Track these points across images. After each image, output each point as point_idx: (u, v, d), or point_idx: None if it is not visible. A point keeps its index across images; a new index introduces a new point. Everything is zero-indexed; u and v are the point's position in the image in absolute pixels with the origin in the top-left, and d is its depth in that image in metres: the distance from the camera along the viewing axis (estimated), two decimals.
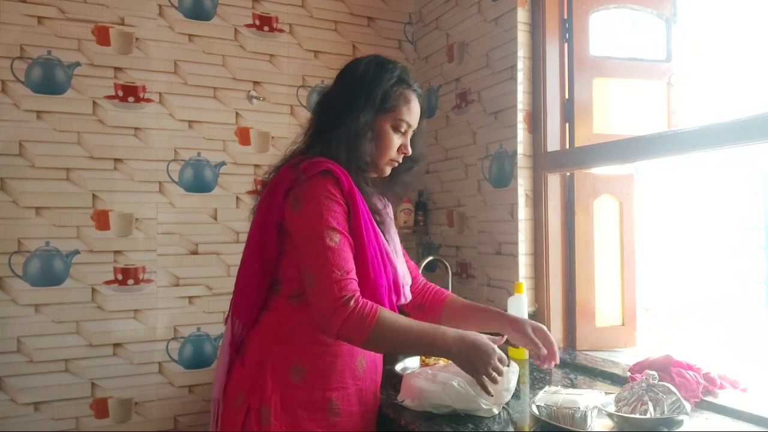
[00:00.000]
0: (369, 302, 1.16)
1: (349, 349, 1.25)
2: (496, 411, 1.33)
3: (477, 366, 1.18)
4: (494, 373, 1.19)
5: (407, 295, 1.34)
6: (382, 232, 1.30)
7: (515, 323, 1.36)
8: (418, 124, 1.38)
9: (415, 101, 1.34)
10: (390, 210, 1.45)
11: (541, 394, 1.35)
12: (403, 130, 1.32)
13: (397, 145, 1.33)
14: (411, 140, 1.36)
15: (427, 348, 1.24)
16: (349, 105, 1.27)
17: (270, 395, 1.19)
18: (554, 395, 1.32)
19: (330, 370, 1.22)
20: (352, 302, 1.13)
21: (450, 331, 1.20)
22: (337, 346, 1.23)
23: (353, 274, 1.17)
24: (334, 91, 1.34)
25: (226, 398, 1.27)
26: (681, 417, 1.19)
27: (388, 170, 1.36)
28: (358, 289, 1.17)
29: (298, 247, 1.20)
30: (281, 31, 2.54)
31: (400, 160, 1.36)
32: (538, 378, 1.63)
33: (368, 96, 1.27)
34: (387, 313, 1.17)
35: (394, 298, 1.26)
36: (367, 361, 1.29)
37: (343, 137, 1.25)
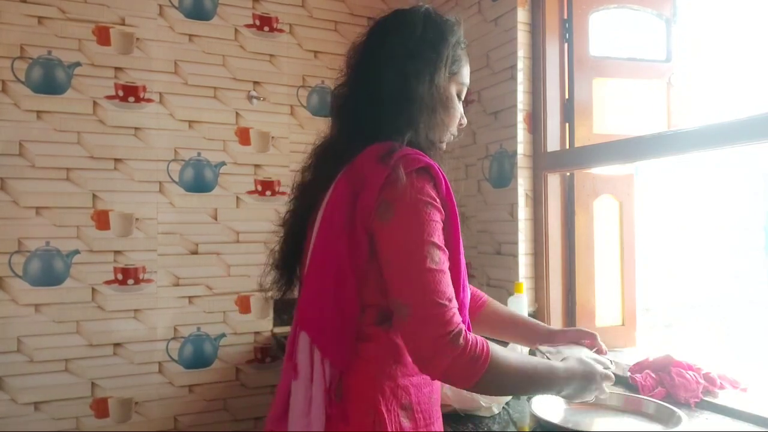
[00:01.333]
0: (479, 339, 0.92)
1: None
2: (496, 410, 1.33)
3: (589, 394, 1.06)
4: (604, 389, 1.08)
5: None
6: None
7: (569, 336, 1.23)
8: None
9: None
10: None
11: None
12: (462, 97, 1.12)
13: (459, 114, 1.12)
14: None
15: (538, 390, 1.06)
16: (419, 72, 1.02)
17: None
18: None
19: (430, 402, 1.02)
20: (461, 340, 0.89)
21: (560, 367, 1.03)
22: None
23: (455, 301, 0.93)
24: (387, 56, 1.04)
25: None
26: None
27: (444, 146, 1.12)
28: (462, 320, 0.92)
29: (386, 266, 0.94)
30: (281, 31, 2.54)
31: (456, 134, 1.13)
32: None
33: (436, 60, 1.04)
34: (499, 352, 0.94)
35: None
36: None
37: (423, 111, 1.01)
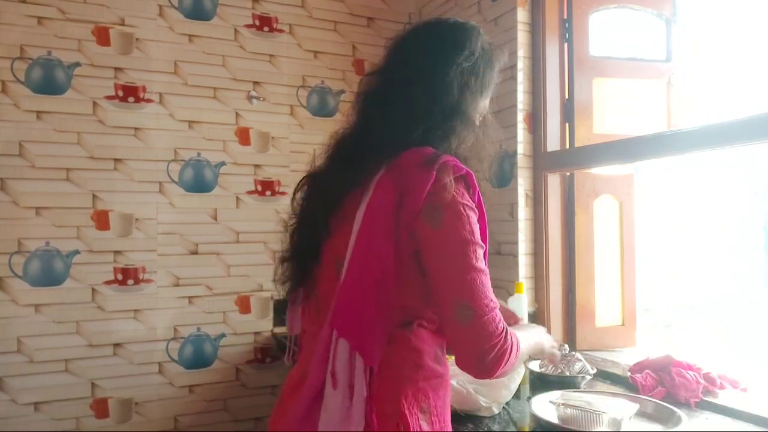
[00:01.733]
0: (512, 331, 0.99)
1: (449, 376, 1.08)
2: (496, 410, 1.33)
3: (546, 347, 1.20)
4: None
5: None
6: None
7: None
8: None
9: None
10: None
11: (558, 394, 1.35)
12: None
13: None
14: None
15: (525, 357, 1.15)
16: (474, 91, 1.07)
17: None
18: (576, 398, 1.30)
19: (444, 405, 1.04)
20: (509, 337, 0.96)
21: (525, 335, 1.09)
22: (447, 376, 1.06)
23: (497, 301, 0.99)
24: (449, 66, 1.05)
25: None
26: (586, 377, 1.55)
27: None
28: None
29: (439, 271, 0.96)
30: (281, 31, 2.53)
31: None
32: (537, 377, 1.63)
33: (489, 81, 1.10)
34: (520, 341, 1.01)
35: None
36: None
37: (465, 125, 1.05)
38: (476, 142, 1.09)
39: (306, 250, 1.10)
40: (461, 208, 0.96)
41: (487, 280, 0.96)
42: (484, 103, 1.11)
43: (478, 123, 1.10)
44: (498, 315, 0.95)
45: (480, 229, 1.00)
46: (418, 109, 1.03)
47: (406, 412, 0.96)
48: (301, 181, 1.15)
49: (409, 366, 0.99)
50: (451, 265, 0.95)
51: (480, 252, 0.97)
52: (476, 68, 1.07)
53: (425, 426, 0.97)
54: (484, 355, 0.93)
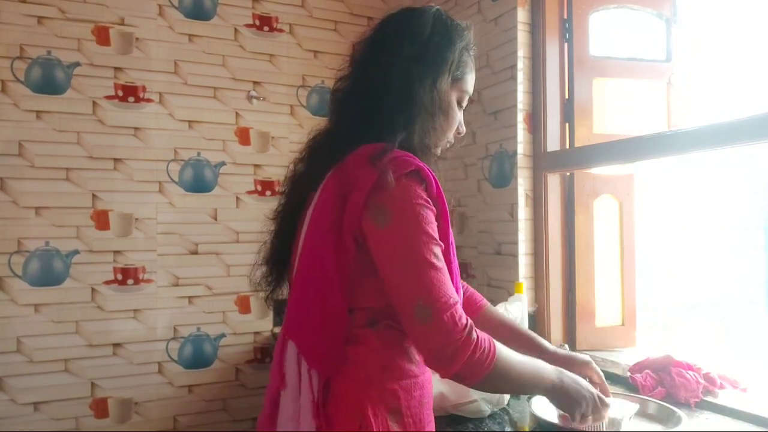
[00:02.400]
0: (486, 335, 0.94)
1: (429, 378, 1.05)
2: (488, 411, 1.34)
3: (576, 407, 1.05)
4: (588, 416, 1.07)
5: None
6: None
7: (567, 363, 1.17)
8: None
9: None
10: None
11: None
12: (464, 105, 1.11)
13: (456, 123, 1.10)
14: None
15: (527, 390, 1.10)
16: (423, 75, 1.02)
17: None
18: None
19: (420, 406, 1.01)
20: (473, 333, 0.91)
21: (552, 372, 1.03)
22: (423, 377, 1.03)
23: (458, 296, 0.95)
24: (394, 56, 1.03)
25: None
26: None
27: (438, 153, 1.11)
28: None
29: (392, 272, 0.93)
30: (281, 31, 2.53)
31: (453, 142, 1.12)
32: None
33: (441, 64, 1.03)
34: (503, 350, 0.96)
35: None
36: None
37: (421, 114, 1.01)
38: (441, 126, 1.05)
39: (279, 253, 1.12)
40: (410, 206, 0.92)
41: (443, 278, 0.92)
42: (452, 85, 1.06)
43: (446, 107, 1.06)
44: (458, 312, 0.91)
45: (441, 224, 0.97)
46: (366, 104, 1.02)
47: (370, 413, 0.94)
48: (282, 187, 1.16)
49: (375, 367, 0.97)
50: (404, 264, 0.92)
51: (436, 249, 0.93)
52: (424, 53, 1.02)
53: (395, 427, 0.96)
54: (441, 352, 0.90)
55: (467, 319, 0.92)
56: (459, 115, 1.10)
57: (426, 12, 1.07)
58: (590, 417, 1.07)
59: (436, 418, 1.20)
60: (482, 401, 1.34)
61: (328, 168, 1.01)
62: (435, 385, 1.24)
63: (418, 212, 0.93)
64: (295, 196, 1.10)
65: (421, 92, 1.01)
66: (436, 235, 0.94)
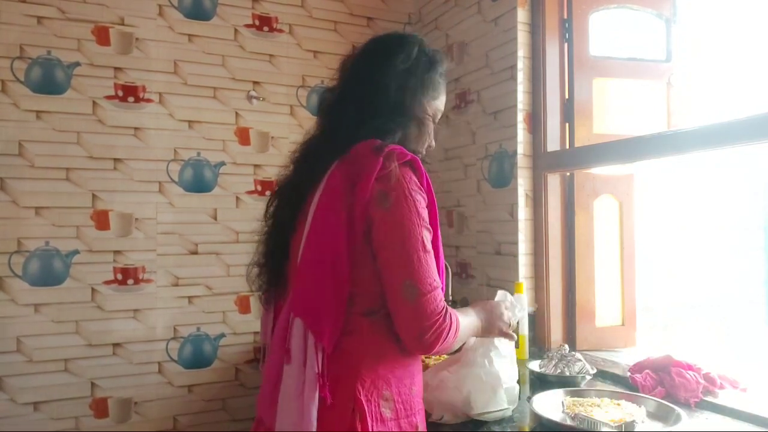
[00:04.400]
0: (453, 311, 1.06)
1: (418, 367, 1.13)
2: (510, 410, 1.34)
3: (497, 326, 1.23)
4: (507, 323, 1.25)
5: None
6: None
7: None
8: None
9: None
10: None
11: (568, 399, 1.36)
12: (436, 121, 1.23)
13: (429, 138, 1.22)
14: None
15: (469, 337, 1.24)
16: (413, 88, 1.15)
17: None
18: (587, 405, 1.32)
19: (410, 393, 1.08)
20: (449, 316, 1.03)
21: (474, 312, 1.21)
22: (414, 366, 1.10)
23: (440, 282, 1.06)
24: (388, 68, 1.15)
25: None
26: (586, 377, 1.55)
27: None
28: None
29: (389, 252, 1.01)
30: (281, 31, 2.53)
31: (425, 153, 1.23)
32: (537, 377, 1.63)
33: (425, 82, 1.17)
34: (460, 321, 1.08)
35: None
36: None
37: (410, 122, 1.14)
38: (419, 135, 1.17)
39: (276, 250, 1.17)
40: (408, 192, 1.02)
41: (431, 261, 1.02)
42: (430, 102, 1.18)
43: (425, 119, 1.18)
44: (439, 295, 1.02)
45: (430, 213, 1.06)
46: (364, 108, 1.12)
47: (362, 398, 1.01)
48: (271, 194, 1.23)
49: (369, 354, 1.04)
50: (399, 244, 1.01)
51: (427, 234, 1.03)
52: (414, 69, 1.15)
53: (387, 413, 1.03)
54: (424, 332, 0.99)
55: (444, 303, 1.03)
56: (431, 130, 1.21)
57: (412, 36, 1.21)
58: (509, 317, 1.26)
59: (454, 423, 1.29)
60: (510, 407, 1.33)
61: (330, 163, 1.09)
62: (462, 391, 1.29)
63: (415, 197, 1.03)
64: (293, 194, 1.16)
65: (411, 101, 1.14)
66: (427, 220, 1.04)
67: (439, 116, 1.24)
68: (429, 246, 1.03)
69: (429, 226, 1.04)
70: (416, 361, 1.11)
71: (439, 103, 1.22)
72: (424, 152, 1.22)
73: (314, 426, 0.97)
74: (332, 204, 1.04)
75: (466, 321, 1.13)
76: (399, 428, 1.04)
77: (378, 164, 1.02)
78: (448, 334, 1.02)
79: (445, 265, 2.34)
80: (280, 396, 1.02)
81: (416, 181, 1.05)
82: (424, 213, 1.04)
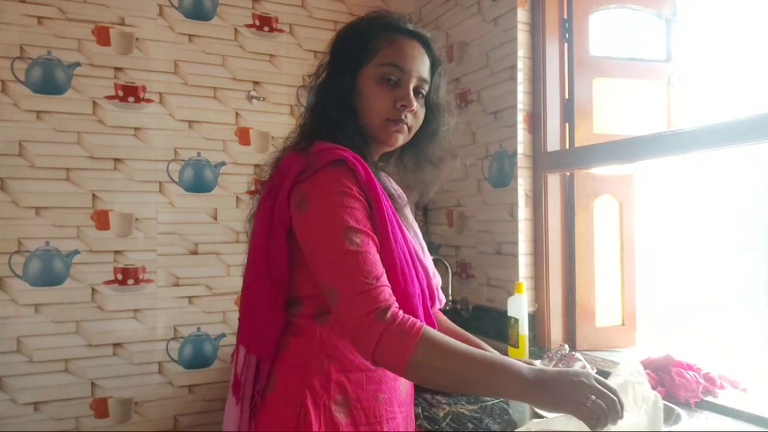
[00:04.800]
0: (410, 317, 0.91)
1: (389, 375, 1.04)
2: None
3: (573, 395, 0.82)
4: (599, 401, 0.81)
5: (441, 298, 1.12)
6: (404, 224, 1.07)
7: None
8: (432, 81, 1.12)
9: (411, 43, 1.07)
10: (405, 198, 1.17)
11: None
12: (394, 78, 1.05)
13: (388, 99, 1.05)
14: (430, 111, 1.13)
15: (490, 380, 0.86)
16: (327, 76, 1.09)
17: None
18: None
19: (375, 400, 1.01)
20: (388, 315, 0.88)
21: (519, 363, 0.88)
22: (378, 373, 1.03)
23: (384, 280, 0.93)
24: (318, 70, 1.14)
25: None
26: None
27: (395, 138, 1.08)
28: (393, 298, 0.93)
29: (311, 256, 0.97)
30: (281, 31, 2.53)
31: (406, 120, 1.07)
32: None
33: (347, 56, 1.07)
34: (435, 333, 0.90)
35: (429, 305, 1.04)
36: (408, 384, 1.11)
37: (326, 110, 1.06)
38: (365, 109, 1.06)
39: None
40: (328, 193, 0.95)
41: (357, 263, 0.91)
42: (363, 69, 1.06)
43: (364, 89, 1.06)
44: (369, 296, 0.89)
45: (376, 214, 0.97)
46: (310, 111, 1.12)
47: (309, 402, 0.97)
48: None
49: (318, 357, 1.00)
50: (319, 249, 0.95)
51: (353, 236, 0.93)
52: (334, 59, 1.10)
53: (342, 418, 0.98)
54: (354, 336, 0.91)
55: (382, 303, 0.90)
56: (382, 92, 1.05)
57: (355, 21, 1.13)
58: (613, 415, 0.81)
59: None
60: None
61: (273, 168, 1.09)
62: None
63: (334, 197, 0.95)
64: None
65: (325, 95, 1.08)
66: (355, 221, 0.94)
67: (393, 73, 1.05)
68: (354, 247, 0.92)
69: (360, 227, 0.94)
70: (380, 368, 1.01)
71: (378, 58, 1.05)
72: (384, 122, 1.06)
73: (234, 426, 1.02)
74: (261, 214, 1.03)
75: (467, 349, 0.88)
76: None
77: (297, 166, 0.98)
78: (386, 335, 0.87)
79: (445, 265, 2.36)
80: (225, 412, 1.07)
81: (344, 180, 0.96)
82: (350, 214, 0.94)
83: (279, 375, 1.01)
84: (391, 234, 0.98)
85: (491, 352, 0.95)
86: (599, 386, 0.83)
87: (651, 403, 0.90)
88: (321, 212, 0.95)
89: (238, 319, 1.08)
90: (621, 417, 0.81)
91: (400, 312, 0.91)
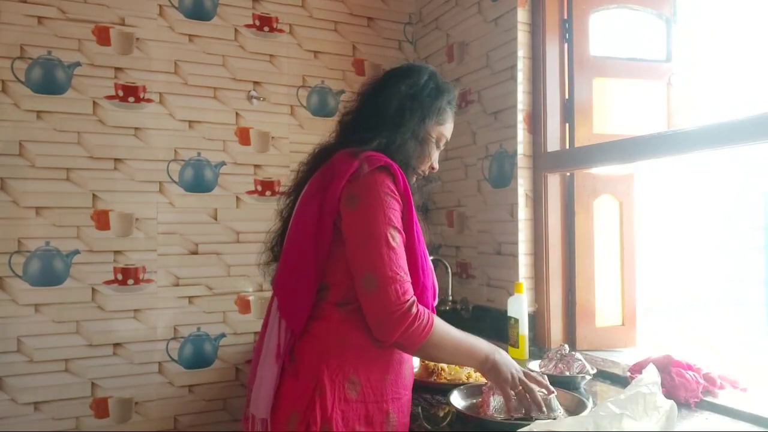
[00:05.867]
0: (425, 309, 1.12)
1: (398, 358, 1.20)
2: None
3: (506, 376, 1.20)
4: (521, 387, 1.20)
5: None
6: None
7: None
8: None
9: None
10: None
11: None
12: (441, 145, 1.34)
13: (429, 160, 1.32)
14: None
15: (465, 361, 1.23)
16: (413, 109, 1.25)
17: (331, 414, 1.10)
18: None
19: (383, 381, 1.16)
20: (414, 308, 1.09)
21: (486, 347, 1.21)
22: (388, 355, 1.18)
23: (409, 276, 1.13)
24: (393, 91, 1.27)
25: (275, 417, 1.14)
26: (586, 377, 1.51)
27: (411, 180, 1.30)
28: (413, 293, 1.13)
29: (353, 247, 1.12)
30: (281, 31, 2.54)
31: (426, 173, 1.35)
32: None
33: (430, 106, 1.28)
34: (440, 322, 1.15)
35: (433, 298, 1.24)
36: (410, 369, 1.26)
37: (408, 138, 1.23)
38: (420, 155, 1.27)
39: (278, 243, 1.33)
40: (377, 193, 1.12)
41: (396, 257, 1.10)
42: (434, 126, 1.29)
43: (428, 141, 1.28)
44: (402, 287, 1.09)
45: (407, 217, 1.15)
46: (364, 120, 1.26)
47: (325, 378, 1.11)
48: (282, 195, 1.37)
49: (335, 339, 1.15)
50: (363, 239, 1.10)
51: (394, 234, 1.11)
52: (418, 94, 1.26)
53: (352, 394, 1.13)
54: (384, 320, 1.08)
55: (411, 296, 1.10)
56: (435, 154, 1.32)
57: (424, 67, 1.33)
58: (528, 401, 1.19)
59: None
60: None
61: (317, 168, 1.23)
62: None
63: (383, 198, 1.12)
64: (293, 194, 1.31)
65: (410, 120, 1.23)
66: (396, 221, 1.12)
67: (443, 142, 1.33)
68: (394, 242, 1.10)
69: (399, 227, 1.12)
70: (390, 352, 1.17)
71: (444, 129, 1.31)
72: (426, 172, 1.32)
73: (270, 400, 1.14)
74: (308, 203, 1.18)
75: (463, 335, 1.18)
76: (366, 411, 1.13)
77: (351, 167, 1.12)
78: (410, 324, 1.08)
79: (446, 265, 2.36)
80: (259, 365, 1.19)
81: (389, 184, 1.13)
82: (393, 214, 1.12)
83: (303, 353, 1.15)
84: (416, 234, 1.16)
85: (474, 338, 1.21)
86: (528, 382, 1.21)
87: (663, 412, 1.03)
88: (372, 210, 1.11)
89: (276, 296, 1.20)
90: (543, 412, 1.19)
91: (419, 305, 1.11)
